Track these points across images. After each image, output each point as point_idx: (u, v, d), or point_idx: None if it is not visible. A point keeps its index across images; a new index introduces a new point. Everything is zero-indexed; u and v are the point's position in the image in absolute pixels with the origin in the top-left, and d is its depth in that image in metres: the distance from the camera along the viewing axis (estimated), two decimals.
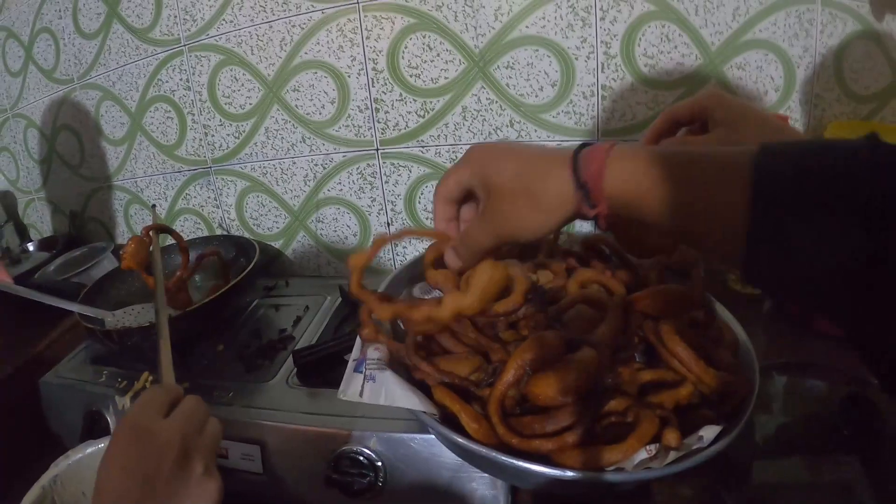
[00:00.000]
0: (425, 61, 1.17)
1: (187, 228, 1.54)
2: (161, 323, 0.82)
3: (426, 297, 0.77)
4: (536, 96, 1.14)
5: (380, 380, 0.62)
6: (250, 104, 1.33)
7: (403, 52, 1.18)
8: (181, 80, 1.38)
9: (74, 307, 1.09)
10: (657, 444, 0.54)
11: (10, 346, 1.26)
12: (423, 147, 1.24)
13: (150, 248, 1.07)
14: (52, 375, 1.12)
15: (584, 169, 0.52)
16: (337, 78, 1.24)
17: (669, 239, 0.75)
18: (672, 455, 0.53)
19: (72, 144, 1.61)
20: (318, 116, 1.29)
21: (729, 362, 0.63)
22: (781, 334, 0.98)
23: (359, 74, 1.22)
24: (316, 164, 1.33)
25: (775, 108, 1.07)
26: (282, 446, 0.88)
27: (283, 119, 1.31)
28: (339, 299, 1.22)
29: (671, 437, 0.53)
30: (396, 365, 0.65)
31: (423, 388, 0.62)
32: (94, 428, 1.00)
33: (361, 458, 0.82)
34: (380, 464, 0.81)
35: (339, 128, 1.28)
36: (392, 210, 1.32)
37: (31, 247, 1.74)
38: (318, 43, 1.22)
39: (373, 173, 1.30)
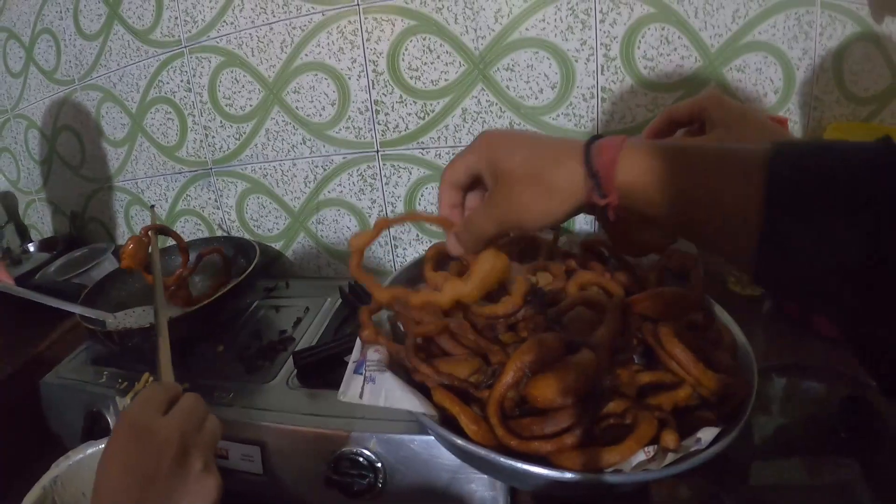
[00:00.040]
0: (425, 63, 1.17)
1: (188, 229, 1.54)
2: (160, 322, 0.82)
3: None
4: (536, 98, 1.14)
5: (379, 381, 0.62)
6: (251, 106, 1.33)
7: (404, 54, 1.18)
8: (182, 81, 1.38)
9: (76, 308, 1.09)
10: (655, 446, 0.54)
11: (11, 346, 1.26)
12: (423, 149, 1.24)
13: (150, 248, 1.07)
14: (53, 376, 1.12)
15: (596, 158, 0.52)
16: (337, 80, 1.24)
17: (671, 235, 0.75)
18: (670, 457, 0.53)
19: (72, 145, 1.61)
20: (319, 118, 1.29)
21: (728, 364, 0.63)
22: (781, 336, 0.98)
23: (359, 76, 1.22)
24: (316, 166, 1.34)
25: (774, 110, 1.07)
26: (282, 447, 0.88)
27: (283, 121, 1.32)
28: (340, 301, 1.22)
29: (669, 438, 0.53)
30: (396, 367, 0.65)
31: (422, 389, 0.62)
32: (94, 428, 1.00)
33: (361, 459, 0.82)
34: (379, 465, 0.82)
35: (340, 129, 1.28)
36: (392, 212, 1.32)
37: (31, 247, 1.74)
38: (319, 45, 1.22)
39: (373, 175, 1.30)
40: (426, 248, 0.72)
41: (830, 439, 0.78)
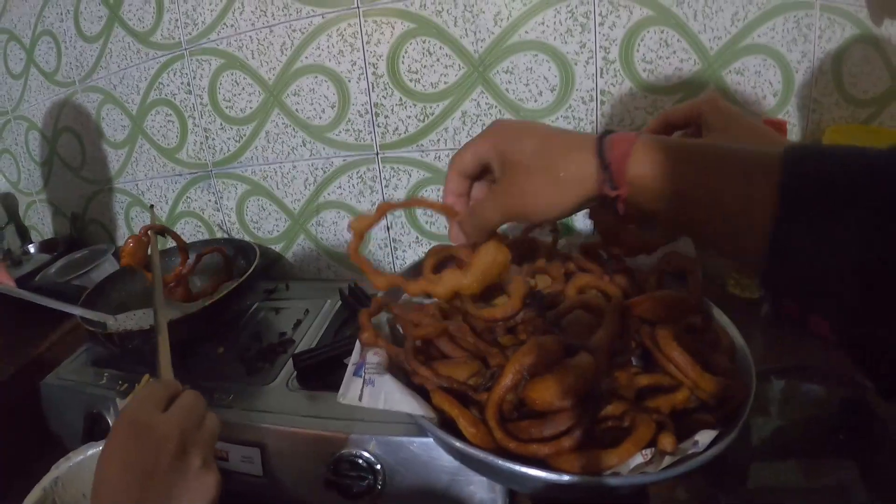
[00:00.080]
0: (425, 66, 1.18)
1: (188, 231, 1.55)
2: (159, 320, 0.83)
3: (425, 302, 0.77)
4: (536, 101, 1.15)
5: (379, 384, 0.62)
6: (251, 108, 1.34)
7: (403, 56, 1.18)
8: (182, 83, 1.38)
9: (77, 310, 1.09)
10: (653, 449, 0.54)
11: (11, 346, 1.26)
12: (422, 151, 1.24)
13: (149, 248, 1.07)
14: (54, 377, 1.12)
15: (609, 151, 0.52)
16: (337, 82, 1.24)
17: (664, 236, 0.75)
18: (667, 459, 0.53)
19: (73, 147, 1.62)
20: (319, 121, 1.29)
21: (725, 367, 0.63)
22: (780, 338, 0.98)
23: (359, 79, 1.23)
24: (316, 168, 1.34)
25: (773, 112, 1.07)
26: (282, 449, 0.88)
27: (283, 123, 1.32)
28: (339, 303, 1.22)
29: (666, 441, 0.53)
30: (396, 369, 0.65)
31: (422, 392, 0.62)
32: (94, 430, 1.01)
33: (360, 461, 0.82)
34: (379, 467, 0.82)
35: (340, 132, 1.28)
36: (392, 214, 1.32)
37: (32, 248, 1.74)
38: (319, 47, 1.22)
39: (373, 177, 1.30)
40: (426, 251, 0.72)
41: (829, 441, 0.79)
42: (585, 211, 0.64)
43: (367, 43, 1.19)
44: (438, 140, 1.23)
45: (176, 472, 0.59)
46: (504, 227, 0.65)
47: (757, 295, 1.06)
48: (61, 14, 1.47)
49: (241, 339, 1.17)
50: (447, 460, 0.78)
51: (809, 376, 0.89)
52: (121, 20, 1.39)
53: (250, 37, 1.27)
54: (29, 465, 0.90)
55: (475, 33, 1.12)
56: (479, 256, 0.63)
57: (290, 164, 1.35)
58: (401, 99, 1.22)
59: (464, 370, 0.63)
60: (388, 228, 1.34)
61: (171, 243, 1.19)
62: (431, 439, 0.77)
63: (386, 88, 1.22)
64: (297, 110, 1.30)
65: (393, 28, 1.17)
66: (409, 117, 1.23)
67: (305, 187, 1.37)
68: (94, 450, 0.80)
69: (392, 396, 0.61)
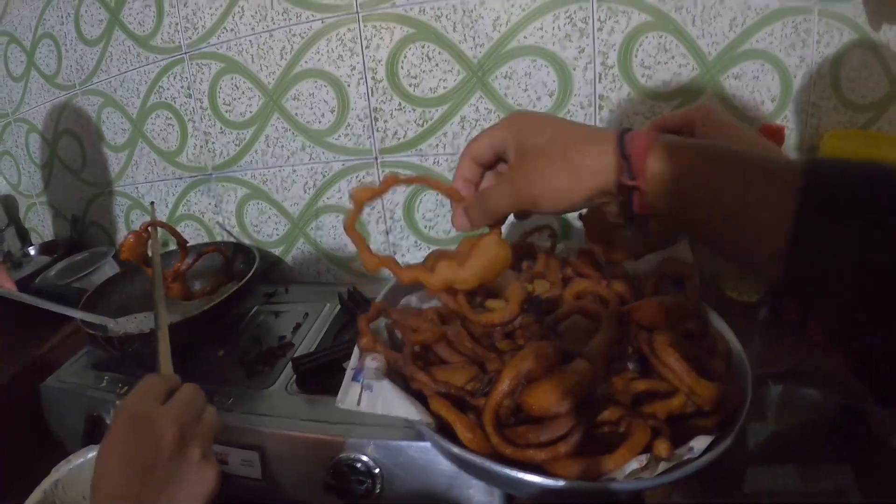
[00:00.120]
0: (424, 71, 1.18)
1: (188, 234, 1.54)
2: (159, 314, 0.83)
3: (424, 307, 0.78)
4: (534, 106, 1.15)
5: (377, 389, 0.62)
6: (251, 112, 1.34)
7: (402, 61, 1.18)
8: (182, 87, 1.39)
9: (77, 314, 1.10)
10: (649, 455, 0.55)
11: (11, 347, 1.27)
12: (421, 156, 1.25)
13: (149, 244, 1.08)
14: (54, 379, 1.13)
15: (630, 144, 0.52)
16: (337, 87, 1.24)
17: (651, 243, 0.76)
18: (663, 465, 0.54)
19: (73, 149, 1.62)
20: (318, 125, 1.29)
21: (722, 373, 0.64)
22: (777, 342, 0.98)
23: (358, 84, 1.23)
24: (315, 173, 1.34)
25: (772, 117, 1.07)
26: (281, 452, 0.88)
27: (283, 127, 1.32)
28: (338, 307, 1.23)
29: (662, 448, 0.54)
30: (394, 374, 0.66)
31: (420, 397, 0.63)
32: (94, 432, 1.01)
33: (359, 465, 0.82)
34: (377, 471, 0.82)
35: (339, 136, 1.29)
36: (391, 218, 1.33)
37: (32, 251, 1.74)
38: (318, 52, 1.23)
39: (372, 182, 1.30)
40: (425, 255, 0.72)
41: (826, 445, 0.79)
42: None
43: (367, 48, 1.19)
44: (437, 145, 1.23)
45: (175, 465, 0.59)
46: (503, 229, 0.65)
47: (755, 298, 1.07)
48: (62, 17, 1.48)
49: (240, 343, 1.17)
50: (445, 464, 0.78)
51: (806, 381, 0.89)
52: (121, 24, 1.39)
53: (250, 41, 1.27)
54: (29, 465, 0.90)
55: (474, 38, 1.13)
56: (480, 251, 0.62)
57: (289, 168, 1.36)
58: (400, 104, 1.22)
59: (461, 375, 0.63)
60: (387, 233, 1.34)
61: (171, 246, 1.19)
62: (430, 443, 0.78)
63: (385, 93, 1.22)
64: (296, 115, 1.30)
65: (392, 33, 1.17)
66: (409, 122, 1.23)
67: (305, 191, 1.37)
68: (94, 452, 0.80)
69: (390, 402, 0.61)
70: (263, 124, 1.34)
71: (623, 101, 1.11)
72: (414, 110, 1.22)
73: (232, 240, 1.48)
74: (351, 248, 1.39)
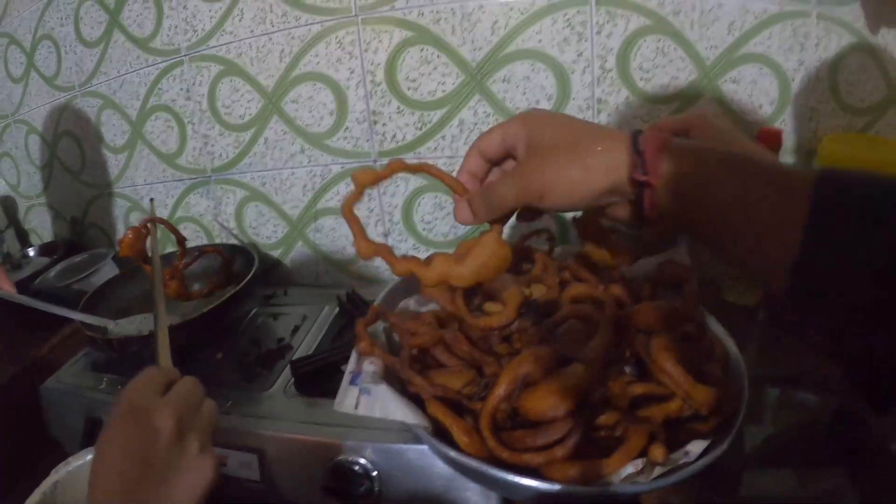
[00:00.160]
0: (423, 74, 1.18)
1: (187, 236, 1.53)
2: (158, 309, 0.84)
3: (422, 310, 0.78)
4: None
5: (374, 393, 0.63)
6: (250, 115, 1.34)
7: (401, 64, 1.19)
8: (181, 89, 1.39)
9: (77, 316, 1.10)
10: (644, 459, 0.55)
11: (11, 347, 1.27)
12: (420, 159, 1.24)
13: (148, 240, 1.08)
14: (54, 381, 1.13)
15: (642, 142, 0.52)
16: (335, 90, 1.25)
17: (635, 250, 0.76)
18: (658, 469, 0.54)
19: (73, 151, 1.62)
20: (317, 128, 1.29)
21: (719, 377, 0.64)
22: (775, 345, 0.98)
23: (357, 87, 1.23)
24: (314, 175, 1.34)
25: (770, 121, 1.07)
26: (279, 455, 0.89)
27: (282, 130, 1.32)
28: (337, 309, 1.23)
29: (657, 452, 0.54)
30: (391, 378, 0.66)
31: (417, 401, 0.63)
32: (94, 434, 1.01)
33: (357, 467, 0.83)
34: (375, 473, 0.82)
35: (338, 139, 1.29)
36: (389, 221, 1.33)
37: (31, 252, 1.74)
38: (317, 55, 1.23)
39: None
40: (424, 258, 0.71)
41: (822, 449, 0.79)
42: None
43: (366, 51, 1.19)
44: (436, 148, 1.23)
45: (174, 457, 0.60)
46: (504, 231, 0.65)
47: (753, 302, 1.07)
48: (62, 19, 1.48)
49: (239, 345, 1.17)
50: (443, 467, 0.78)
51: (804, 384, 0.89)
52: (121, 26, 1.39)
53: (249, 44, 1.27)
54: (29, 466, 0.90)
55: (472, 42, 1.13)
56: (479, 248, 0.61)
57: (288, 170, 1.36)
58: (399, 107, 1.22)
59: (459, 379, 0.63)
60: (385, 235, 1.34)
61: (170, 248, 1.19)
62: (427, 446, 0.78)
63: (384, 96, 1.22)
64: (295, 117, 1.30)
65: (391, 36, 1.17)
66: (407, 125, 1.23)
67: (304, 194, 1.37)
68: (93, 455, 0.81)
69: (387, 405, 0.61)
70: (262, 127, 1.34)
71: (621, 104, 1.11)
72: (412, 113, 1.22)
73: (231, 242, 1.49)
74: (350, 251, 1.40)
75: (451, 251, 0.64)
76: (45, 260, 1.62)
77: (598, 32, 1.07)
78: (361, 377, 0.65)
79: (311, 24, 1.21)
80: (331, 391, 0.67)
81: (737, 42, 1.04)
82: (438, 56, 1.16)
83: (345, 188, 1.33)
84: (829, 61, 1.02)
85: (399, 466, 0.82)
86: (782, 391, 0.90)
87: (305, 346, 1.12)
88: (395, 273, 0.61)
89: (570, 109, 1.13)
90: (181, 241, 1.18)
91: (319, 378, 0.99)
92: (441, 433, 0.60)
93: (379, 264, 1.39)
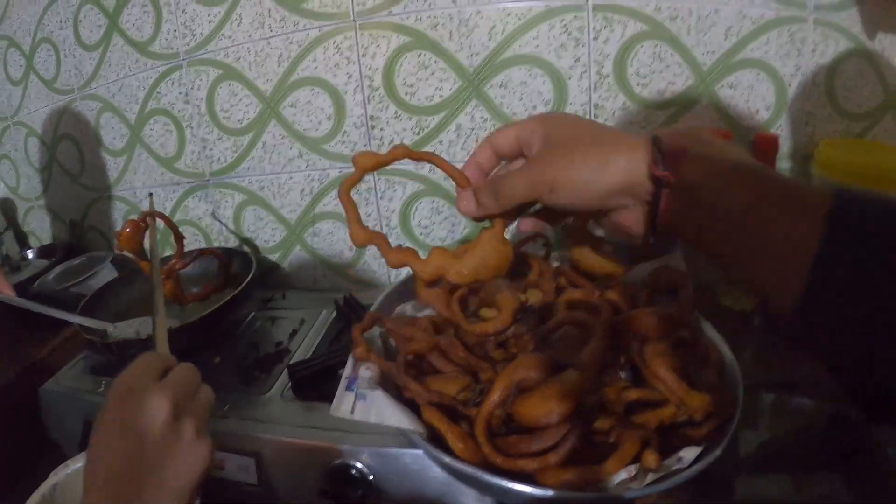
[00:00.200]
0: (420, 79, 1.18)
1: (186, 240, 1.54)
2: (157, 299, 0.84)
3: (418, 316, 0.78)
4: (530, 115, 1.15)
5: (370, 398, 0.63)
6: (248, 119, 1.34)
7: (399, 70, 1.19)
8: (180, 93, 1.39)
9: (76, 319, 1.10)
10: (637, 465, 0.55)
11: (11, 348, 1.27)
12: (417, 164, 1.25)
13: (147, 234, 1.08)
14: (53, 383, 1.13)
15: (663, 143, 0.52)
16: (333, 95, 1.25)
17: (624, 260, 0.76)
18: (651, 476, 0.54)
19: (72, 154, 1.62)
20: (315, 132, 1.30)
21: (714, 383, 0.64)
22: (771, 351, 0.98)
23: (355, 91, 1.23)
24: (312, 180, 1.35)
25: (767, 126, 1.08)
26: (277, 458, 0.89)
27: (280, 134, 1.33)
28: (335, 313, 1.23)
29: (650, 458, 0.54)
30: (387, 384, 0.66)
31: (413, 406, 0.63)
32: None
33: (354, 471, 0.83)
34: (371, 477, 0.83)
35: (336, 144, 1.29)
36: (387, 226, 1.33)
37: (30, 254, 1.75)
38: (315, 60, 1.23)
39: (368, 189, 1.31)
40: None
41: (817, 455, 0.79)
42: None
43: (363, 56, 1.20)
44: (433, 153, 1.22)
45: (170, 442, 0.60)
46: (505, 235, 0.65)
47: (749, 307, 1.07)
48: (61, 22, 1.48)
49: (237, 349, 1.17)
50: (438, 472, 0.78)
51: (799, 390, 0.90)
52: (120, 29, 1.40)
53: (248, 48, 1.27)
54: (28, 466, 0.91)
55: (470, 47, 1.13)
56: (479, 245, 0.60)
57: (286, 174, 1.36)
58: (396, 112, 1.22)
59: (454, 385, 0.63)
60: None
61: (168, 251, 1.19)
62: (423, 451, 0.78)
63: (381, 101, 1.22)
64: (293, 122, 1.30)
65: (389, 41, 1.17)
66: (405, 130, 1.23)
67: (302, 198, 1.38)
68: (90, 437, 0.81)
69: (383, 411, 0.62)
70: (261, 131, 1.34)
71: (618, 110, 1.11)
72: (410, 118, 1.22)
73: (229, 245, 1.49)
74: (347, 255, 1.40)
75: None
76: (44, 262, 1.62)
77: (595, 38, 1.07)
78: (357, 382, 0.65)
79: (310, 28, 1.21)
80: (328, 395, 0.67)
81: (734, 47, 1.04)
82: (436, 61, 1.16)
83: None
84: (825, 66, 1.03)
85: (395, 471, 0.82)
86: (778, 396, 0.90)
87: (303, 349, 1.12)
88: (388, 264, 0.60)
89: None
90: (179, 237, 1.19)
91: (317, 382, 0.99)
92: (436, 439, 0.60)
93: (376, 269, 1.39)
